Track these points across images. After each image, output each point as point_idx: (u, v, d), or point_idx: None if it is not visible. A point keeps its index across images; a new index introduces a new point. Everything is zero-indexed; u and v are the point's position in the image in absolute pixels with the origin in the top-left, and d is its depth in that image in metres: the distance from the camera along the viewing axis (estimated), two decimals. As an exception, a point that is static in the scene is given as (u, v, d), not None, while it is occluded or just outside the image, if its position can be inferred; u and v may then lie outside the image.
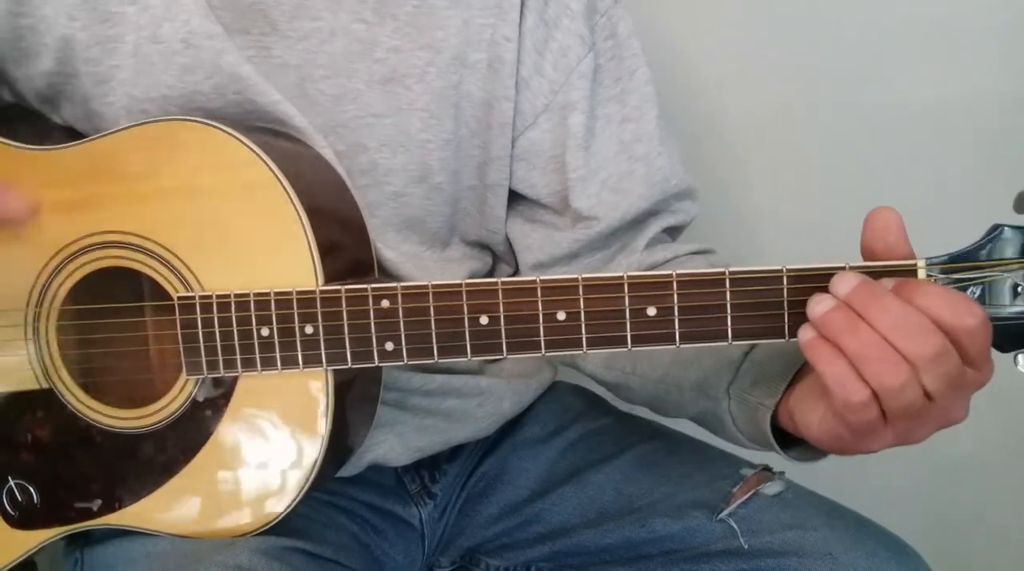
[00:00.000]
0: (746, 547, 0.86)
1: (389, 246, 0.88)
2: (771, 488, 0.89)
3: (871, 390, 0.64)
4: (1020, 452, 1.33)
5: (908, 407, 0.64)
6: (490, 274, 1.00)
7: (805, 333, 0.66)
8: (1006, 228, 0.67)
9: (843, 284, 0.65)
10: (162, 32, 0.82)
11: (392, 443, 0.91)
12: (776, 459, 0.84)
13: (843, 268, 0.67)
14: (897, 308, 0.63)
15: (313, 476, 0.78)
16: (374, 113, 0.87)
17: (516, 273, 1.00)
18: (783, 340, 0.69)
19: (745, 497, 0.89)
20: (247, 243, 0.77)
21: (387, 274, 0.87)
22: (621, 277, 0.70)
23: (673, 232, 0.97)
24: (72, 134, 0.86)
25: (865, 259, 0.69)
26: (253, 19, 0.84)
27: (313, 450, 0.77)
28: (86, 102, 0.84)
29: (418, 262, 0.90)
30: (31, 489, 0.83)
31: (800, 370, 0.75)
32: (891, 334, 0.63)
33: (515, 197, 0.95)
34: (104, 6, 0.82)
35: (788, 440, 0.77)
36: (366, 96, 0.86)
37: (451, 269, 0.93)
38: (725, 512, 0.88)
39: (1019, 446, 1.32)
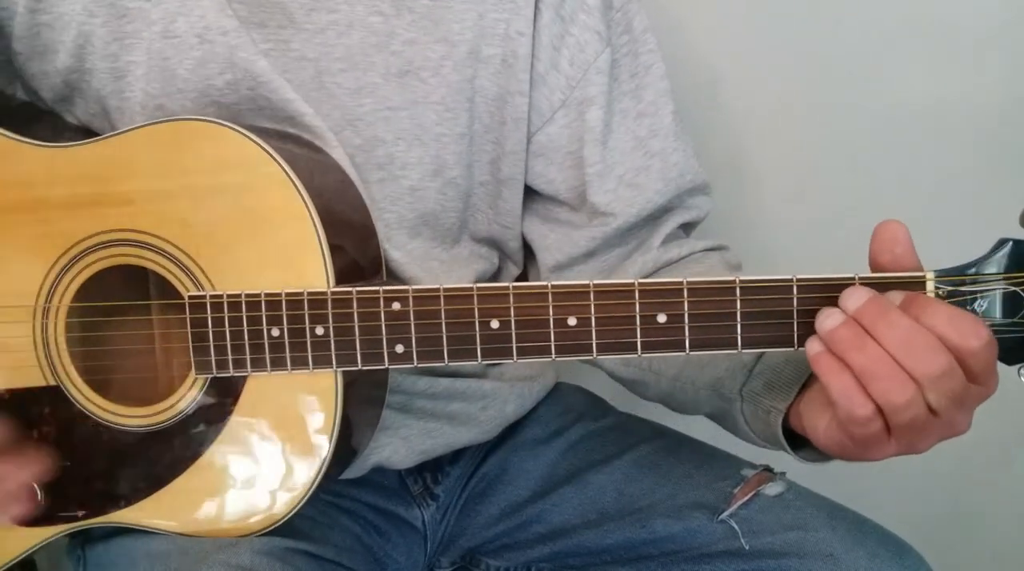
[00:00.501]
0: (747, 548, 0.86)
1: (396, 246, 0.88)
2: (772, 489, 0.90)
3: (875, 405, 0.65)
4: (1020, 452, 1.34)
5: (912, 422, 0.65)
6: (497, 274, 1.00)
7: (813, 346, 0.67)
8: (1012, 242, 0.68)
9: (852, 299, 0.66)
10: (176, 27, 0.82)
11: (396, 446, 0.92)
12: (778, 459, 0.85)
13: (852, 279, 0.68)
14: (904, 325, 0.64)
15: (319, 478, 0.78)
16: (391, 106, 0.87)
17: (524, 273, 1.01)
18: (792, 349, 0.70)
19: (746, 498, 0.89)
20: (259, 243, 0.77)
21: (392, 275, 0.87)
22: (632, 284, 0.71)
23: (688, 228, 0.98)
24: (85, 133, 0.86)
25: (872, 270, 0.69)
26: (271, 12, 0.84)
27: (320, 452, 0.78)
28: (103, 99, 0.84)
29: (424, 264, 0.90)
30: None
31: (811, 376, 0.76)
32: (898, 352, 0.64)
33: (532, 196, 0.96)
34: (121, 1, 0.82)
35: (799, 441, 0.78)
36: (383, 89, 0.86)
37: (458, 271, 0.93)
38: (726, 513, 0.89)
39: (1019, 446, 1.33)
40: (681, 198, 0.95)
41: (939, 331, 0.64)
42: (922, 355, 0.64)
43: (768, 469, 0.93)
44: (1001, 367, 0.68)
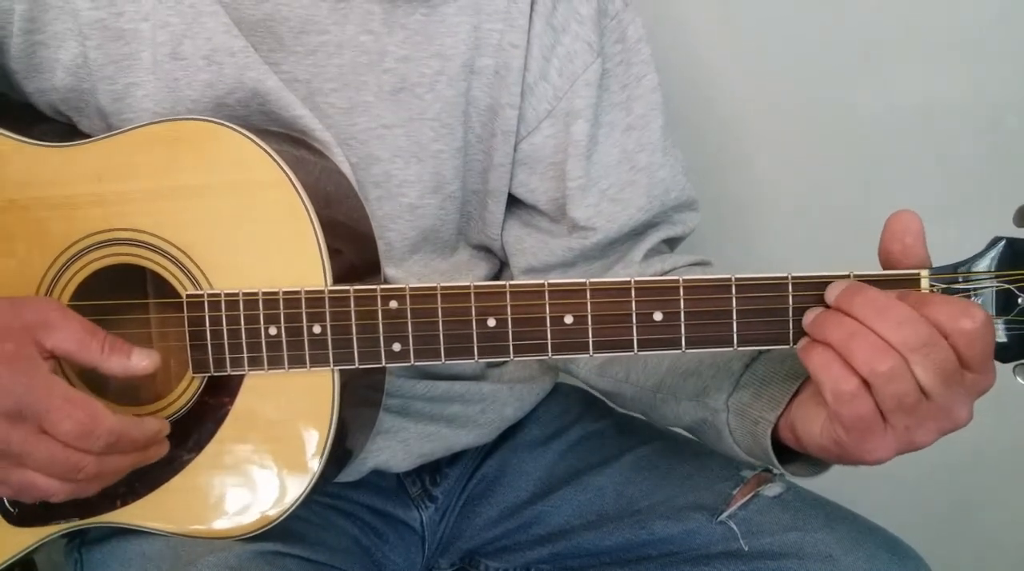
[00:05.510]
0: (746, 549, 0.86)
1: (395, 263, 0.88)
2: (771, 490, 0.90)
3: (859, 378, 0.65)
4: (1020, 453, 1.34)
5: (902, 398, 0.65)
6: (499, 275, 0.99)
7: (801, 342, 0.68)
8: (1007, 240, 0.68)
9: (832, 291, 0.68)
10: (183, 49, 0.82)
11: (395, 449, 0.91)
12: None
13: (847, 276, 0.68)
14: (881, 300, 0.65)
15: (315, 479, 0.78)
16: (385, 124, 0.86)
17: None
18: (787, 346, 0.70)
19: (745, 499, 0.89)
20: (257, 242, 0.77)
21: None
22: (628, 282, 0.71)
23: (672, 242, 0.97)
24: (84, 135, 0.85)
25: (882, 259, 0.70)
26: (261, 36, 0.83)
27: (316, 453, 0.78)
28: (105, 117, 0.84)
29: (424, 277, 0.89)
30: None
31: (801, 385, 0.75)
32: (875, 323, 0.64)
33: (513, 201, 0.95)
34: (116, 24, 0.82)
35: (786, 455, 0.77)
36: (376, 108, 0.86)
37: (459, 278, 0.92)
38: (725, 514, 0.89)
39: (1019, 447, 1.33)
40: (666, 214, 0.94)
41: (932, 317, 0.64)
42: (902, 325, 0.64)
43: (767, 470, 0.92)
44: (999, 365, 0.68)
